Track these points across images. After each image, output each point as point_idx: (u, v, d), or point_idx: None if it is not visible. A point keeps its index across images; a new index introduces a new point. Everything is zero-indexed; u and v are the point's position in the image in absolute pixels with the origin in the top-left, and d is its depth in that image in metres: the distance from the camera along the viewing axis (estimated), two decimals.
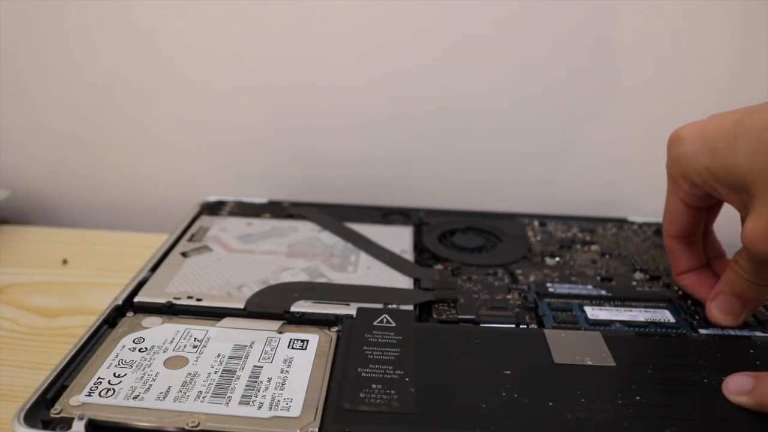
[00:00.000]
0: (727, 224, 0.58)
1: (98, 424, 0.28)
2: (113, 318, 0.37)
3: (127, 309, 0.37)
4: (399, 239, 0.47)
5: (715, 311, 0.37)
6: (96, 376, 0.31)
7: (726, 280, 0.36)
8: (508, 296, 0.41)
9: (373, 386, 0.30)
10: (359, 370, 0.32)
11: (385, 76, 0.54)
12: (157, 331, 0.35)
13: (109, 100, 0.57)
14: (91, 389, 0.30)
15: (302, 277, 0.41)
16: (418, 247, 0.47)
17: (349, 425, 0.28)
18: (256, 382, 0.31)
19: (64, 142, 0.59)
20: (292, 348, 0.34)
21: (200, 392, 0.30)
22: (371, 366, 0.32)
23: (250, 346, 0.34)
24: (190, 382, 0.31)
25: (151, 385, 0.30)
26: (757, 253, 0.31)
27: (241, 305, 0.37)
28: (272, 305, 0.37)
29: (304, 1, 0.51)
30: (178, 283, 0.40)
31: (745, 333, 0.38)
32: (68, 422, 0.28)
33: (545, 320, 0.38)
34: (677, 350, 0.35)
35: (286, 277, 0.41)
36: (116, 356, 0.33)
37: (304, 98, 0.55)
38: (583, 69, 0.53)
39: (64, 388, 0.30)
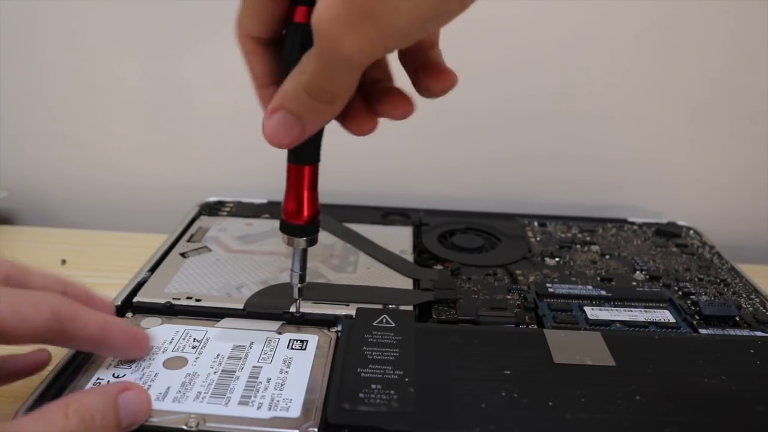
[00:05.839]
0: (726, 224, 0.58)
1: None
2: None
3: (126, 309, 0.37)
4: (399, 239, 0.47)
5: (270, 127, 0.28)
6: (95, 377, 0.31)
7: (284, 91, 0.27)
8: (508, 296, 0.41)
9: (373, 386, 0.30)
10: (359, 370, 0.31)
11: None
12: (157, 331, 0.35)
13: (108, 100, 0.57)
14: None
15: None
16: (418, 247, 0.47)
17: (348, 425, 0.28)
18: (256, 382, 0.31)
19: (62, 143, 0.58)
20: (292, 348, 0.34)
21: (199, 392, 0.30)
22: (371, 366, 0.32)
23: (250, 347, 0.34)
24: (190, 383, 0.31)
25: (150, 385, 0.30)
26: (329, 34, 0.23)
27: (240, 306, 0.37)
28: (271, 305, 0.37)
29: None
30: (177, 283, 0.40)
31: (746, 333, 0.38)
32: None
33: (545, 320, 0.38)
34: (677, 350, 0.34)
35: (286, 278, 0.41)
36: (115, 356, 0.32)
37: None
38: (582, 69, 0.53)
39: (63, 388, 0.30)
